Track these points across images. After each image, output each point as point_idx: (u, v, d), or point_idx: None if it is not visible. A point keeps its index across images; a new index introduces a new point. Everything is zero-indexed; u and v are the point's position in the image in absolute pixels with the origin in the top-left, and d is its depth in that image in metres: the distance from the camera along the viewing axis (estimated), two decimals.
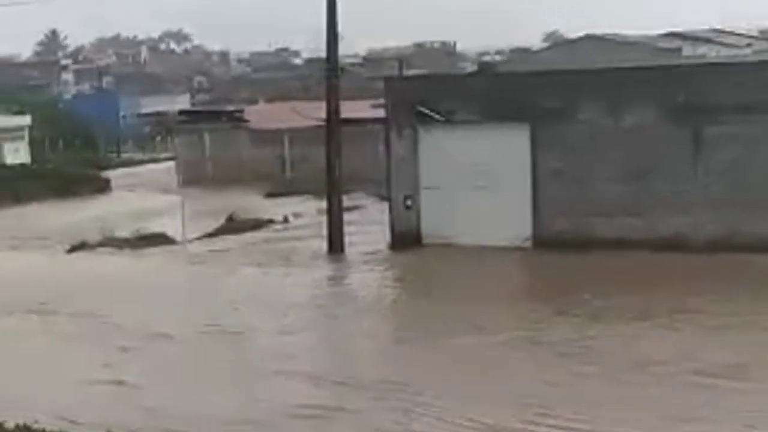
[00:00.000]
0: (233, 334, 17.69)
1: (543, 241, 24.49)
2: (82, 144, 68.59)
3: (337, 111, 25.60)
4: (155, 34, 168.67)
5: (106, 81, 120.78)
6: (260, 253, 27.23)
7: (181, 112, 48.18)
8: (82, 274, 24.38)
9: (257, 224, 33.39)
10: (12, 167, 46.74)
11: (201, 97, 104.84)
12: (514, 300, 20.74)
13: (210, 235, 31.40)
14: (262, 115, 47.43)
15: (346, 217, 35.16)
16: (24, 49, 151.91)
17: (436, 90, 25.37)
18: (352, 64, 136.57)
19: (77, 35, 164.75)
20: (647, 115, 23.42)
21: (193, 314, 19.27)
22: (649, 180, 23.50)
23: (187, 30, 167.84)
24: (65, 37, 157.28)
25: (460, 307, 19.25)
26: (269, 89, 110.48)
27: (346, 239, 27.59)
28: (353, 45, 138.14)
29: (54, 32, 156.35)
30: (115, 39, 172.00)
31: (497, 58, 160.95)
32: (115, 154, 68.82)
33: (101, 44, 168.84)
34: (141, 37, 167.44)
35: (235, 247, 29.03)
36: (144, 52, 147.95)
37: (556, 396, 13.37)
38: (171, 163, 59.42)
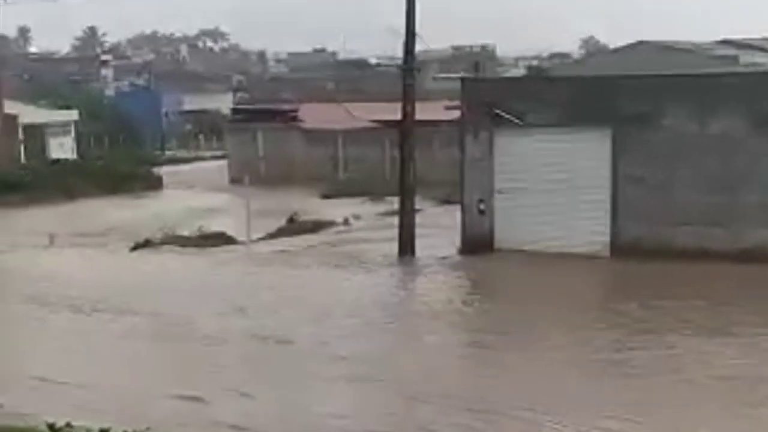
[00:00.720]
0: (318, 342, 17.03)
1: (621, 249, 23.88)
2: (126, 140, 68.36)
3: (412, 112, 25.13)
4: (192, 33, 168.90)
5: (145, 78, 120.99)
6: (328, 256, 26.73)
7: (235, 111, 47.80)
8: (154, 273, 23.98)
9: (318, 226, 33.03)
10: (62, 163, 46.41)
11: (240, 96, 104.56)
12: (593, 309, 20.26)
13: (272, 236, 30.95)
14: (315, 115, 46.98)
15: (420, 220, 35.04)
16: (63, 45, 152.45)
17: (513, 92, 24.81)
18: (389, 66, 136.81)
19: (114, 32, 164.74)
20: (735, 122, 22.77)
21: (274, 319, 18.76)
22: (734, 189, 22.86)
23: (223, 28, 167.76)
24: (103, 34, 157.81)
25: (541, 315, 18.80)
26: (307, 89, 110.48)
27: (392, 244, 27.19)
28: (393, 47, 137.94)
29: (92, 29, 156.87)
30: (152, 36, 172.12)
31: (534, 63, 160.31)
32: (159, 152, 68.53)
33: (138, 41, 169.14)
34: (178, 35, 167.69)
35: (301, 249, 28.58)
36: (183, 50, 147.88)
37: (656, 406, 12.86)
38: (218, 162, 59.25)
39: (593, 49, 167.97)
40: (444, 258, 25.31)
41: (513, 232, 25.10)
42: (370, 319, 18.94)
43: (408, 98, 25.13)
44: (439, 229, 31.04)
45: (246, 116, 46.72)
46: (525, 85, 24.42)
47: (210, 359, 15.86)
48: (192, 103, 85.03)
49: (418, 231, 31.44)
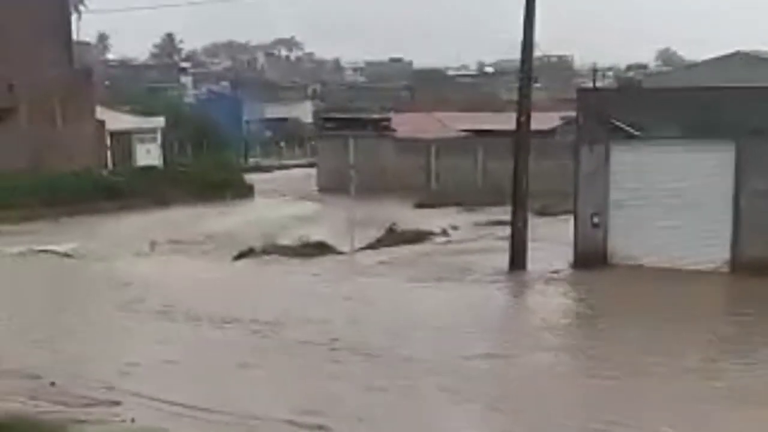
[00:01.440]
0: (444, 363, 16.41)
1: (742, 266, 23.13)
2: (209, 148, 68.54)
3: (527, 122, 24.56)
4: (267, 41, 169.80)
5: (223, 86, 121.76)
6: (435, 267, 26.25)
7: (326, 119, 47.53)
8: (264, 284, 23.68)
9: (418, 236, 32.56)
10: (154, 170, 46.53)
11: (316, 103, 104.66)
12: (719, 327, 19.43)
13: (373, 246, 30.54)
14: (406, 124, 46.63)
15: (506, 231, 34.42)
16: (140, 52, 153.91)
17: (632, 104, 24.13)
18: (456, 75, 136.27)
19: (190, 39, 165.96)
20: None
21: (393, 335, 18.18)
22: None
23: (298, 38, 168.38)
24: (180, 41, 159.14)
25: (670, 334, 17.99)
26: (384, 98, 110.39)
27: (496, 256, 26.78)
28: (459, 57, 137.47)
29: (170, 35, 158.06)
30: (228, 44, 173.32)
31: (609, 74, 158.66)
32: (243, 159, 68.63)
33: (214, 49, 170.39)
34: (253, 43, 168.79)
35: (405, 260, 28.15)
36: (261, 59, 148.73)
37: None
38: (302, 170, 59.19)
39: (669, 60, 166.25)
40: (557, 272, 24.74)
41: (628, 246, 24.47)
42: (491, 338, 18.45)
43: (523, 108, 24.54)
44: (544, 241, 30.47)
45: (336, 124, 46.44)
46: (644, 96, 23.74)
47: (329, 380, 15.41)
48: (272, 111, 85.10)
49: (504, 243, 31.07)
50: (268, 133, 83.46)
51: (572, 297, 22.35)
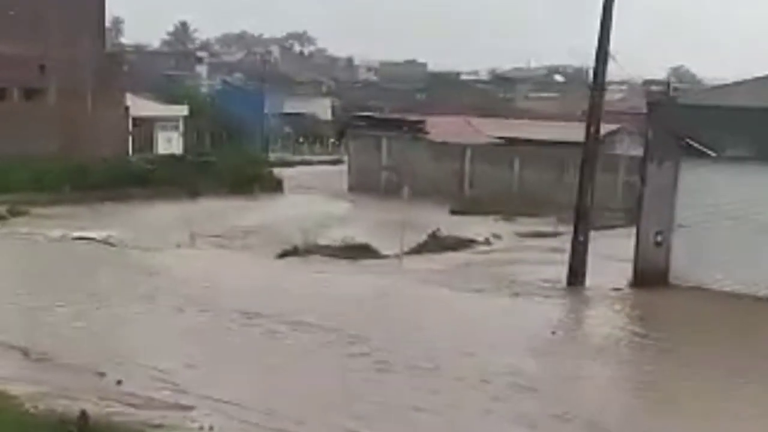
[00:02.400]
0: (514, 384, 15.61)
1: None
2: (229, 139, 67.73)
3: (597, 131, 23.81)
4: (280, 35, 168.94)
5: (237, 77, 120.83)
6: (490, 278, 25.44)
7: (359, 117, 46.73)
8: (318, 286, 22.85)
9: (460, 243, 31.82)
10: (184, 159, 45.65)
11: (333, 101, 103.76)
12: None
13: (416, 251, 29.74)
14: (440, 127, 45.87)
15: (550, 243, 33.72)
16: (152, 38, 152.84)
17: (707, 121, 23.29)
18: (471, 80, 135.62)
19: (203, 29, 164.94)
20: None
21: (459, 348, 17.30)
22: None
23: (311, 33, 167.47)
24: (194, 30, 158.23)
25: (747, 366, 17.14)
26: (397, 99, 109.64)
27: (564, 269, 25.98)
28: (474, 63, 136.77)
29: (184, 24, 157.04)
30: (241, 36, 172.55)
31: (623, 87, 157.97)
32: (264, 153, 67.65)
33: (227, 40, 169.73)
34: (266, 36, 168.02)
35: (452, 268, 27.42)
36: (276, 52, 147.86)
37: None
38: (326, 167, 58.41)
39: (683, 78, 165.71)
40: (616, 290, 23.95)
41: (692, 267, 23.67)
42: (562, 356, 17.67)
43: (594, 118, 23.78)
44: (592, 256, 29.82)
45: (369, 123, 45.67)
46: (721, 114, 22.90)
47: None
48: (290, 106, 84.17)
49: (566, 257, 30.27)
50: (287, 128, 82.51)
51: (641, 320, 21.44)
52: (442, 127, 45.49)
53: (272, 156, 66.94)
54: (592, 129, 23.95)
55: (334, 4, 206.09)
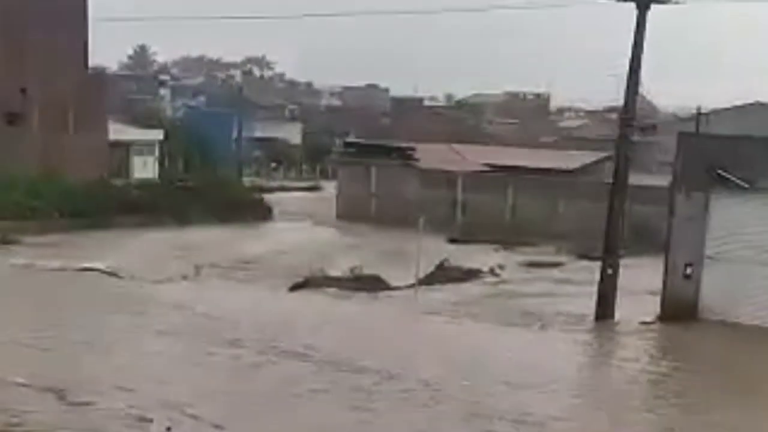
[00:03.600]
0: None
1: None
2: (202, 164, 66.62)
3: (626, 163, 23.26)
4: (238, 59, 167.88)
5: (200, 101, 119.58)
6: (509, 311, 24.84)
7: (348, 144, 45.96)
8: (344, 322, 22.04)
9: (468, 274, 31.20)
10: (171, 185, 44.37)
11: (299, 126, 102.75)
12: None
13: (425, 282, 28.98)
14: (429, 155, 45.29)
15: (555, 274, 33.23)
16: (110, 62, 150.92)
17: (739, 152, 22.90)
18: (431, 107, 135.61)
19: (160, 53, 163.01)
20: None
21: (497, 389, 16.58)
22: None
23: (269, 57, 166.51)
24: (154, 53, 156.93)
25: None
26: (362, 125, 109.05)
27: (581, 301, 25.50)
28: (431, 89, 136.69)
29: (143, 47, 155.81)
30: (200, 60, 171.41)
31: (581, 114, 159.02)
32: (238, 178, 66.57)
33: (185, 63, 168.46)
34: (225, 59, 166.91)
35: (468, 300, 26.78)
36: (238, 76, 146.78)
37: None
38: (305, 194, 57.57)
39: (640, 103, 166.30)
40: (646, 324, 23.38)
41: (722, 301, 23.16)
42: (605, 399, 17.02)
43: (623, 148, 23.26)
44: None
45: (359, 150, 44.95)
46: (754, 144, 22.54)
47: None
48: (261, 130, 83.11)
49: (579, 288, 29.78)
50: (256, 153, 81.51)
51: (677, 358, 20.75)
52: (428, 154, 44.88)
53: (246, 181, 65.97)
54: (622, 160, 23.31)
55: (290, 29, 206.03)
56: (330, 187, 64.30)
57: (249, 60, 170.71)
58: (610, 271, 23.66)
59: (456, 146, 49.95)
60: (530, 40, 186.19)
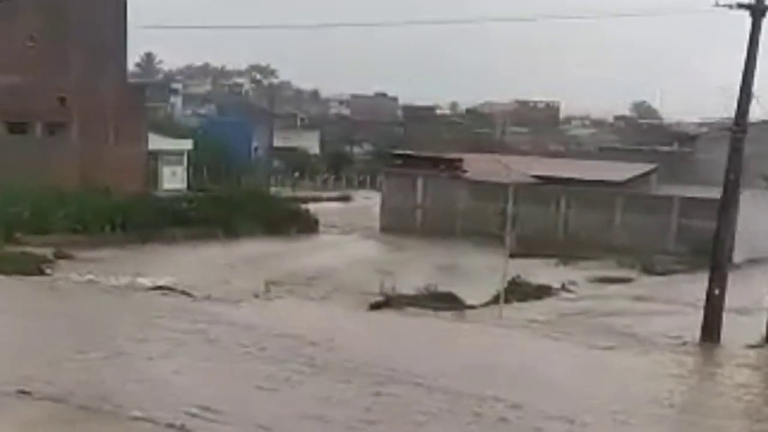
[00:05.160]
0: None
1: None
2: (227, 174, 65.63)
3: (737, 176, 22.22)
4: (242, 67, 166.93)
5: (209, 109, 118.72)
6: (598, 331, 23.82)
7: (395, 155, 44.89)
8: (447, 346, 20.87)
9: (541, 291, 30.25)
10: (218, 196, 43.13)
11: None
12: None
13: (498, 300, 27.93)
14: (477, 166, 44.24)
15: (628, 290, 32.24)
16: None
17: None
18: (446, 115, 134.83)
19: (165, 61, 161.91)
20: None
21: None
22: None
23: (273, 65, 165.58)
24: (160, 61, 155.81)
25: None
26: (376, 134, 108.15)
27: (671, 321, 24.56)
28: (435, 97, 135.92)
29: (150, 55, 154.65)
30: (204, 68, 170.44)
31: (587, 123, 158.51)
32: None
33: (190, 71, 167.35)
34: (229, 67, 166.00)
35: (552, 318, 25.80)
36: (246, 84, 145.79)
37: None
38: (338, 204, 56.49)
39: (646, 114, 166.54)
40: (755, 347, 22.33)
41: None
42: None
43: (734, 162, 22.21)
44: (680, 304, 28.38)
45: (407, 161, 43.91)
46: None
47: None
48: (281, 139, 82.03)
49: (660, 306, 28.86)
50: (276, 163, 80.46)
51: None
52: (472, 165, 43.86)
53: (272, 191, 64.96)
54: (732, 175, 22.28)
55: (293, 37, 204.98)
56: (359, 197, 63.60)
57: (253, 68, 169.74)
58: (717, 291, 22.54)
59: (500, 156, 48.86)
60: (528, 50, 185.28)
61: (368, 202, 58.79)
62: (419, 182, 43.16)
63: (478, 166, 44.56)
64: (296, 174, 74.83)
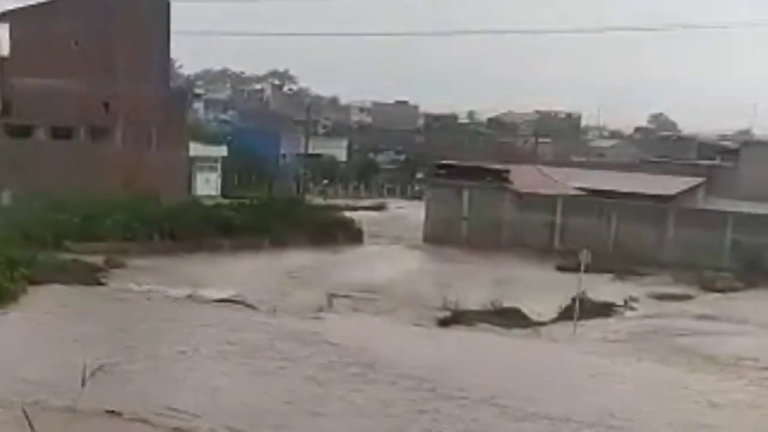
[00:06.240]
0: None
1: None
2: (258, 180, 65.09)
3: None
4: (260, 73, 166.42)
5: (232, 115, 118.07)
6: (678, 352, 23.20)
7: (440, 166, 44.15)
8: (536, 368, 20.25)
9: (605, 308, 29.41)
10: (263, 204, 42.34)
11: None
12: None
13: (567, 317, 27.20)
14: (524, 177, 43.55)
15: (691, 308, 31.38)
16: None
17: None
18: (466, 123, 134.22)
19: (185, 66, 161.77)
20: None
21: None
22: None
23: (292, 72, 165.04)
24: (180, 66, 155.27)
25: None
26: (398, 141, 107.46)
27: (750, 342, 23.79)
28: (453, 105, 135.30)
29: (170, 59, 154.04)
30: (223, 73, 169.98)
31: (605, 134, 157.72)
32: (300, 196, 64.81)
33: (208, 77, 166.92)
34: (247, 73, 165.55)
35: (627, 337, 25.10)
36: (268, 90, 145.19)
37: None
38: (373, 213, 55.68)
39: (663, 126, 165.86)
40: None
41: None
42: None
43: None
44: (753, 324, 27.65)
45: (451, 172, 43.19)
46: None
47: None
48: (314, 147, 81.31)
49: (732, 326, 28.10)
50: (303, 170, 79.77)
51: None
52: (516, 176, 43.15)
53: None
54: None
55: (311, 43, 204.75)
56: (392, 206, 62.90)
57: (271, 74, 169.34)
58: None
59: (543, 168, 48.28)
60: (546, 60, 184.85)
61: (402, 211, 58.16)
62: (465, 193, 42.44)
63: (520, 177, 43.89)
64: (325, 182, 74.08)
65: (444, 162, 45.45)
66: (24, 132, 39.47)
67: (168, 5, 42.65)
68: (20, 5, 42.33)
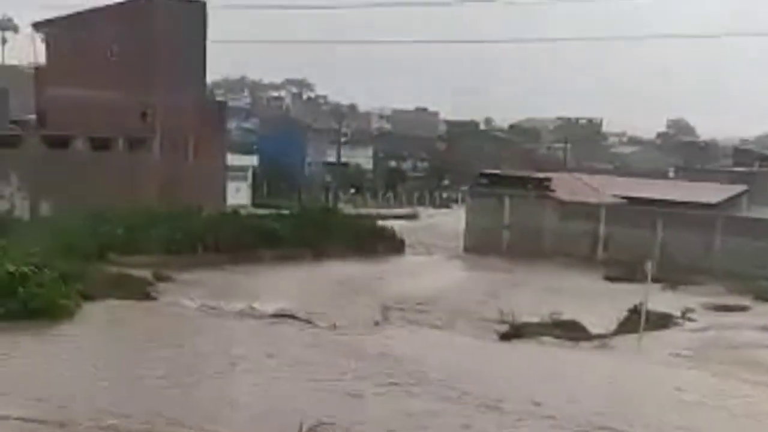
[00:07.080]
0: None
1: None
2: (287, 189, 64.58)
3: None
4: (277, 80, 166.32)
5: (253, 122, 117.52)
6: (751, 366, 22.44)
7: (482, 175, 43.55)
8: (619, 386, 19.62)
9: (663, 319, 28.74)
10: (304, 215, 41.78)
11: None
12: None
13: (627, 329, 26.54)
14: (565, 186, 42.98)
15: (750, 319, 30.69)
16: None
17: None
18: (487, 130, 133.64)
19: None
20: None
21: None
22: None
23: (310, 80, 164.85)
24: None
25: None
26: (420, 148, 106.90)
27: None
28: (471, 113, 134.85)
29: None
30: (241, 80, 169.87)
31: (622, 140, 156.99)
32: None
33: (227, 84, 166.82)
34: (265, 81, 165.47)
35: (693, 350, 24.38)
36: (288, 98, 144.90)
37: None
38: (406, 222, 55.08)
39: (682, 130, 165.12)
40: None
41: None
42: None
43: None
44: None
45: (492, 181, 42.65)
46: None
47: None
48: (333, 154, 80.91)
49: None
50: (327, 178, 79.31)
51: None
52: (566, 186, 42.60)
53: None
54: None
55: (328, 51, 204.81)
56: (424, 214, 62.35)
57: (289, 81, 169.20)
58: None
59: (582, 176, 47.68)
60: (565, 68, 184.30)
61: (434, 220, 57.60)
62: (506, 202, 41.85)
63: (559, 185, 43.32)
64: (352, 190, 73.56)
65: (486, 171, 44.86)
66: (62, 143, 39.00)
67: (205, 13, 42.16)
68: (57, 15, 41.96)
